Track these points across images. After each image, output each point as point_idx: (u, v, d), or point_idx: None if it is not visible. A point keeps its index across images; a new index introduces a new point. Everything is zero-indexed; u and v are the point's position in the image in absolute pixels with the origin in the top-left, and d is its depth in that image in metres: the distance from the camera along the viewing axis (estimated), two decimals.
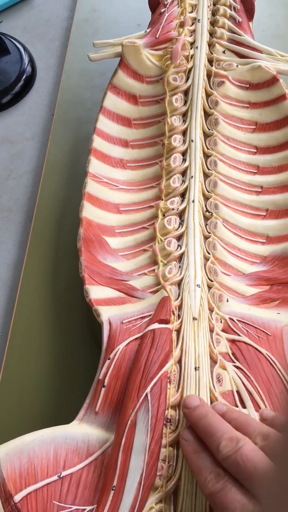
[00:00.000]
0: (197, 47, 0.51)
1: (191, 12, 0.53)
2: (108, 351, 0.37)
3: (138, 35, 0.53)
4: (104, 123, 0.50)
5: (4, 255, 0.54)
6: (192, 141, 0.47)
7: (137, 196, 0.48)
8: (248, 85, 0.51)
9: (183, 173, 0.46)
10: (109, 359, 0.37)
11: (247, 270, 0.44)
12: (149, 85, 0.51)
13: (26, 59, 0.67)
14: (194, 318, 0.38)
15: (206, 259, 0.43)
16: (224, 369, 0.36)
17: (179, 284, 0.41)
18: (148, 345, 0.36)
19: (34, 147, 0.62)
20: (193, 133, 0.47)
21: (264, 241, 0.46)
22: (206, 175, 0.47)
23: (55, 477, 0.32)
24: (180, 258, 0.43)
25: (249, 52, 0.51)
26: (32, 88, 0.67)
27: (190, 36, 0.52)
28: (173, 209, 0.45)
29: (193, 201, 0.44)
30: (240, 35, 0.52)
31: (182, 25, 0.52)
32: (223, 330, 0.39)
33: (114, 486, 0.31)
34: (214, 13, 0.54)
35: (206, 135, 0.49)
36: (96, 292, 0.41)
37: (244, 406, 0.35)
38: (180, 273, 0.41)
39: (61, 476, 0.32)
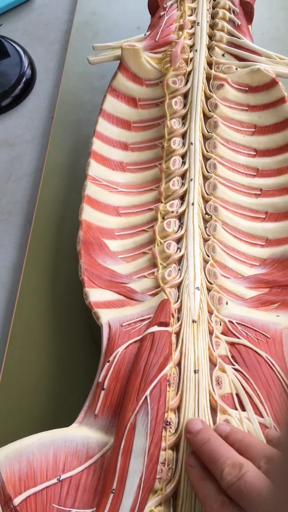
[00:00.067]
0: (196, 50, 0.51)
1: (191, 15, 0.54)
2: (108, 353, 0.37)
3: (137, 38, 0.53)
4: (103, 126, 0.50)
5: (4, 258, 0.54)
6: (191, 143, 0.47)
7: (136, 199, 0.48)
8: (247, 88, 0.51)
9: (183, 176, 0.47)
10: (108, 361, 0.37)
11: (246, 273, 0.44)
12: (149, 88, 0.52)
13: (26, 62, 0.67)
14: (193, 321, 0.38)
15: (206, 261, 0.43)
16: (224, 372, 0.36)
17: (178, 286, 0.41)
18: (148, 348, 0.36)
19: (34, 150, 0.62)
20: (192, 136, 0.48)
21: (264, 243, 0.46)
22: (205, 178, 0.47)
23: (55, 480, 0.32)
24: (180, 260, 0.43)
25: (248, 55, 0.51)
26: (32, 90, 0.67)
27: (190, 39, 0.52)
28: (172, 212, 0.45)
29: (192, 204, 0.44)
30: (239, 38, 0.52)
31: (181, 28, 0.52)
32: (222, 333, 0.39)
33: (113, 489, 0.31)
34: (213, 16, 0.54)
35: (205, 138, 0.49)
36: (95, 294, 0.41)
37: (243, 409, 0.35)
38: (180, 276, 0.41)
39: (61, 479, 0.32)
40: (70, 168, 0.58)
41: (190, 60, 0.51)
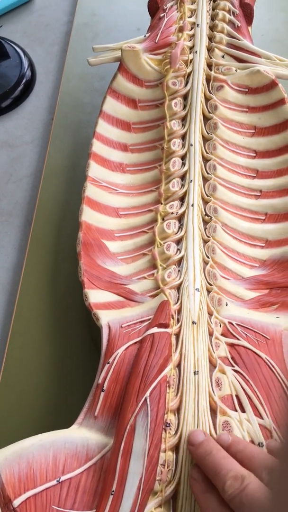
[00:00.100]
0: (196, 52, 0.51)
1: (190, 17, 0.54)
2: (107, 355, 0.37)
3: (137, 39, 0.53)
4: (103, 127, 0.50)
5: (4, 259, 0.54)
6: (191, 145, 0.47)
7: (136, 200, 0.49)
8: (247, 90, 0.51)
9: (183, 177, 0.47)
10: (108, 363, 0.37)
11: (246, 274, 0.44)
12: (149, 90, 0.52)
13: (25, 63, 0.67)
14: (193, 322, 0.38)
15: (206, 263, 0.43)
16: (223, 373, 0.36)
17: (178, 288, 0.41)
18: (148, 349, 0.36)
19: (34, 151, 0.62)
20: (192, 137, 0.48)
21: (263, 245, 0.46)
22: (205, 179, 0.47)
23: (54, 482, 0.32)
24: (180, 262, 0.43)
25: (248, 57, 0.51)
26: (31, 92, 0.67)
27: (189, 41, 0.52)
28: (172, 213, 0.45)
29: (192, 205, 0.44)
30: (239, 40, 0.52)
31: (181, 29, 0.52)
32: (222, 334, 0.39)
33: (113, 491, 0.31)
34: (213, 18, 0.54)
35: (205, 139, 0.49)
36: (95, 296, 0.41)
37: (243, 410, 0.35)
38: (180, 277, 0.41)
39: (60, 480, 0.32)
40: (70, 170, 0.58)
41: (190, 62, 0.51)
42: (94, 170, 0.48)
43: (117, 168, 0.50)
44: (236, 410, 0.35)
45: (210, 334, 0.38)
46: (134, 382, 0.35)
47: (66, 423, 0.36)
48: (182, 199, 0.46)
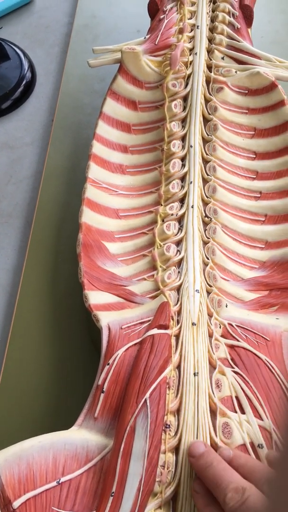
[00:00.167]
0: (196, 53, 0.52)
1: (190, 18, 0.54)
2: (107, 356, 0.37)
3: (137, 41, 0.53)
4: (103, 129, 0.51)
5: (4, 261, 0.54)
6: (191, 146, 0.47)
7: (136, 202, 0.49)
8: (247, 91, 0.51)
9: (182, 179, 0.47)
10: (108, 364, 0.37)
11: (246, 276, 0.44)
12: (149, 91, 0.52)
13: (26, 64, 0.67)
14: (193, 324, 0.38)
15: (205, 264, 0.43)
16: (223, 375, 0.36)
17: (178, 289, 0.41)
18: (147, 350, 0.36)
19: (34, 153, 0.62)
20: (192, 139, 0.48)
21: (263, 246, 0.46)
22: (205, 181, 0.47)
23: (54, 483, 0.32)
24: (179, 263, 0.43)
25: (248, 58, 0.52)
26: (32, 93, 0.67)
27: (189, 43, 0.52)
28: (172, 215, 0.45)
29: (192, 207, 0.44)
30: (239, 42, 0.52)
31: (181, 31, 0.52)
32: (222, 336, 0.39)
33: (113, 492, 0.31)
34: (213, 19, 0.55)
35: (205, 141, 0.49)
36: (95, 297, 0.41)
37: (243, 412, 0.35)
38: (179, 279, 0.41)
39: (60, 482, 0.32)
40: (70, 171, 0.58)
41: (190, 63, 0.51)
42: (94, 171, 0.48)
43: (117, 170, 0.50)
44: (235, 412, 0.35)
45: (210, 336, 0.38)
46: (134, 383, 0.35)
47: (66, 424, 0.36)
48: (182, 200, 0.46)
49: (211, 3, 0.56)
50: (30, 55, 0.70)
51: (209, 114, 0.50)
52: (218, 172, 0.47)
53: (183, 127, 0.49)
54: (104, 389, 0.36)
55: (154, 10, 0.57)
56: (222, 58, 0.52)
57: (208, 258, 0.43)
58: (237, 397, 0.35)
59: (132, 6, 0.72)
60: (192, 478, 0.32)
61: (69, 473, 0.32)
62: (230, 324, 0.39)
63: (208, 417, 0.34)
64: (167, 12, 0.54)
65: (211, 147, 0.48)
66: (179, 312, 0.39)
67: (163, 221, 0.45)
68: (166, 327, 0.38)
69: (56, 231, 0.54)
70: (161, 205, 0.46)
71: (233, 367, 0.37)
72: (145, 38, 0.53)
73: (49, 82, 0.68)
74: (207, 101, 0.50)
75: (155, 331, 0.37)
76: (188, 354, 0.37)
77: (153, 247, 0.44)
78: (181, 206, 0.45)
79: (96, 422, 0.35)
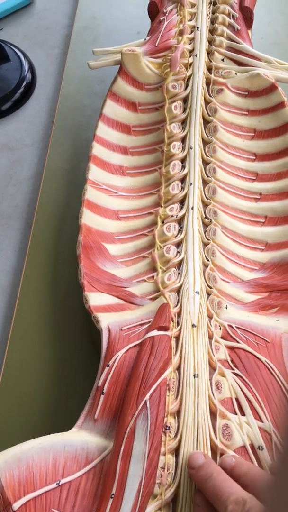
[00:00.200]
0: (196, 55, 0.52)
1: (190, 20, 0.54)
2: (107, 358, 0.37)
3: (137, 43, 0.53)
4: (103, 130, 0.51)
5: (4, 262, 0.54)
6: (191, 148, 0.47)
7: (136, 203, 0.49)
8: (247, 93, 0.51)
9: (182, 180, 0.47)
10: (108, 366, 0.37)
11: (246, 277, 0.44)
12: (149, 93, 0.52)
13: (26, 66, 0.67)
14: (193, 325, 0.38)
15: (205, 265, 0.43)
16: (223, 376, 0.36)
17: (178, 291, 0.41)
18: (147, 352, 0.36)
19: (34, 154, 0.62)
20: (192, 140, 0.48)
21: (263, 247, 0.46)
22: (205, 182, 0.47)
23: (54, 485, 0.32)
24: (179, 265, 0.43)
25: (248, 60, 0.52)
26: (32, 95, 0.67)
27: (189, 44, 0.52)
28: (172, 216, 0.45)
29: (192, 208, 0.44)
30: (239, 43, 0.52)
31: (181, 33, 0.52)
32: (222, 337, 0.39)
33: (113, 494, 0.31)
34: (213, 21, 0.55)
35: (205, 142, 0.49)
36: (95, 299, 0.41)
37: (243, 414, 0.35)
38: (179, 280, 0.41)
39: (60, 483, 0.32)
40: (70, 172, 0.58)
41: (190, 65, 0.51)
42: (94, 173, 0.48)
43: (117, 171, 0.50)
44: (235, 413, 0.35)
45: (210, 337, 0.38)
46: (134, 385, 0.35)
47: (66, 426, 0.36)
48: (182, 202, 0.46)
49: (211, 5, 0.56)
50: (30, 56, 0.70)
51: (209, 115, 0.50)
52: (218, 174, 0.47)
53: (183, 128, 0.49)
54: (104, 391, 0.36)
55: (154, 12, 0.57)
56: (222, 60, 0.52)
57: (208, 260, 0.43)
58: (237, 399, 0.35)
59: (132, 8, 0.72)
60: (192, 480, 0.32)
61: (69, 474, 0.32)
62: (230, 326, 0.39)
63: (208, 419, 0.34)
64: (167, 14, 0.54)
65: (211, 148, 0.48)
66: (179, 314, 0.39)
67: (163, 222, 0.45)
68: (166, 328, 0.38)
69: (56, 232, 0.54)
70: (161, 206, 0.46)
71: (233, 369, 0.37)
72: (145, 39, 0.53)
73: (49, 84, 0.68)
74: (207, 102, 0.50)
75: (155, 332, 0.37)
76: (188, 355, 0.37)
77: (153, 248, 0.44)
78: (181, 208, 0.45)
79: (96, 423, 0.35)
